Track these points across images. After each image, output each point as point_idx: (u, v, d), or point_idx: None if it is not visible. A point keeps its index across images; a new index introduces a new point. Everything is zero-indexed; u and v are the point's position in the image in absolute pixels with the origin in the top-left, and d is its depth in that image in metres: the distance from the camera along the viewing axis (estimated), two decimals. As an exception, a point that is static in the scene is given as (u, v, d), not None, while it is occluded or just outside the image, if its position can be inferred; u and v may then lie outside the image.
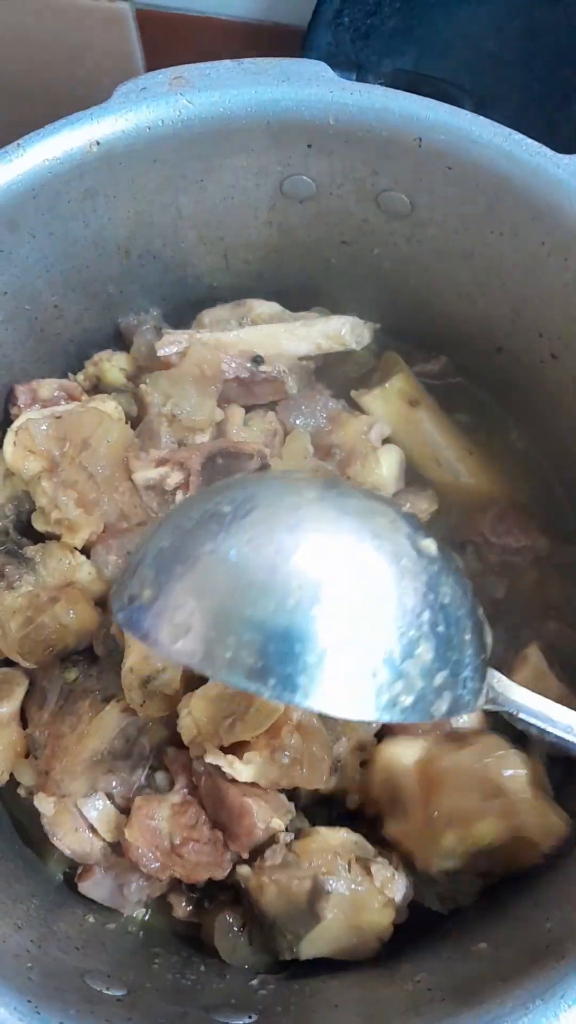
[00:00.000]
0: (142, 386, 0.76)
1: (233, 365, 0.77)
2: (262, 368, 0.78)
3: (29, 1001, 0.50)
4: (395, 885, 0.61)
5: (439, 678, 0.49)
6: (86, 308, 0.78)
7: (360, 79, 0.79)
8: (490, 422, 0.84)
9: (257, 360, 0.78)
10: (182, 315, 0.83)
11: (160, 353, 0.76)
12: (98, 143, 0.65)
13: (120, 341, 0.83)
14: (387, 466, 0.78)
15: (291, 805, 0.65)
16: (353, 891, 0.60)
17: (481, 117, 0.65)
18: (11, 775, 0.69)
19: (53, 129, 0.64)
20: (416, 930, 0.67)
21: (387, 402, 0.81)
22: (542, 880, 0.65)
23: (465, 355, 0.82)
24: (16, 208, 0.65)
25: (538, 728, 0.56)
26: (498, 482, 0.81)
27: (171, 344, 0.77)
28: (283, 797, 0.64)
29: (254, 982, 0.63)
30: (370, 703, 0.47)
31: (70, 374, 0.80)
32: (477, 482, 0.80)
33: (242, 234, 0.77)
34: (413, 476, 0.80)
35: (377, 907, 0.61)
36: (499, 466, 0.82)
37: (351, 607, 0.47)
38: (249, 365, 0.77)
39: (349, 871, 0.61)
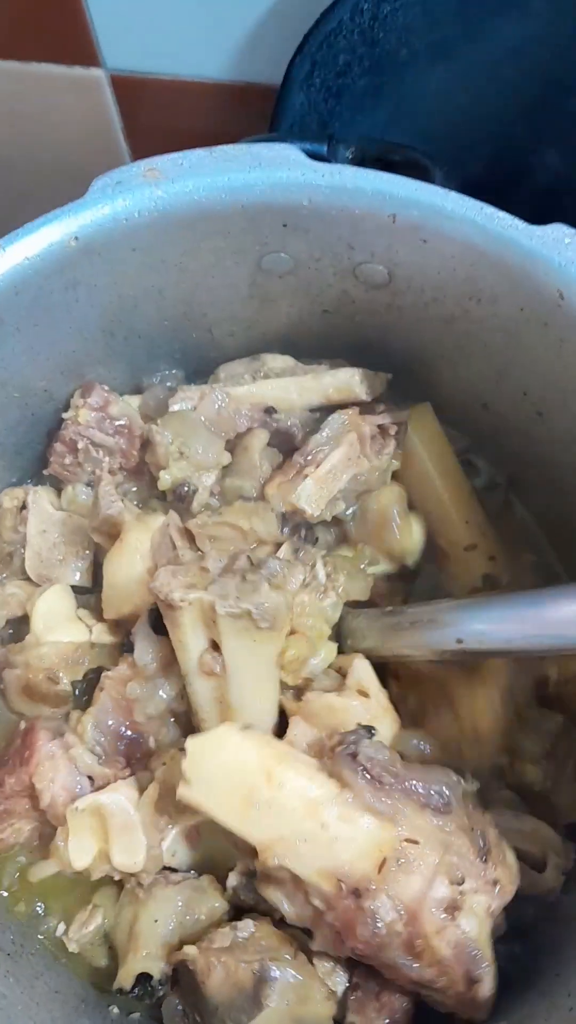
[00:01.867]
0: (152, 427, 0.77)
1: (245, 420, 0.79)
2: (275, 417, 0.79)
3: None
4: (336, 978, 0.61)
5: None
6: (75, 389, 0.79)
7: (331, 149, 0.80)
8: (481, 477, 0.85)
9: (269, 411, 0.80)
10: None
11: (173, 408, 0.78)
12: (76, 238, 0.66)
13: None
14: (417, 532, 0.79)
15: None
16: (296, 980, 0.60)
17: (453, 192, 0.65)
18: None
19: (32, 227, 0.65)
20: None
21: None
22: (566, 953, 0.65)
23: (452, 412, 0.82)
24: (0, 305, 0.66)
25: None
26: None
27: (185, 400, 0.78)
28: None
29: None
30: None
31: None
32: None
33: (225, 309, 0.78)
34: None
35: (319, 998, 0.61)
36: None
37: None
38: (261, 415, 0.79)
39: (294, 958, 0.61)
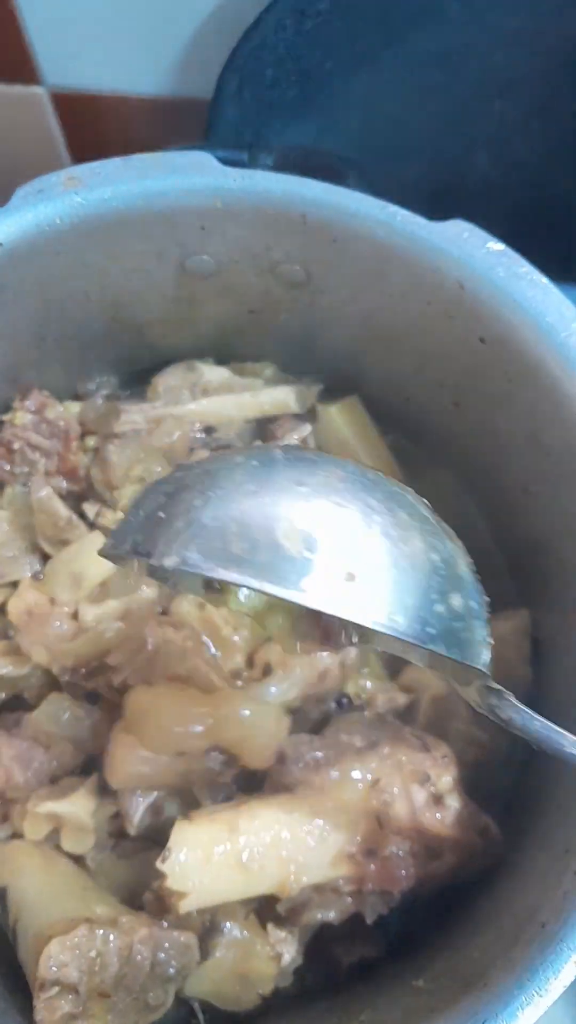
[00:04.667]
0: (110, 446, 0.80)
1: (188, 440, 0.83)
2: (215, 436, 0.83)
3: None
4: (286, 946, 0.63)
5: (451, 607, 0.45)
6: (8, 395, 0.81)
7: (252, 157, 0.83)
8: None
9: (209, 430, 0.84)
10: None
11: (123, 430, 0.81)
12: (1, 244, 0.68)
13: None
14: None
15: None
16: (245, 938, 0.62)
17: (358, 192, 0.69)
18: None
19: (-44, 235, 0.67)
20: (368, 967, 0.69)
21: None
22: (478, 908, 0.68)
23: (377, 408, 0.85)
24: None
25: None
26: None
27: (127, 424, 0.81)
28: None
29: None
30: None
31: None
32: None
33: (153, 311, 0.81)
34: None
35: (265, 957, 0.62)
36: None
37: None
38: (202, 436, 0.83)
39: (247, 919, 0.63)
